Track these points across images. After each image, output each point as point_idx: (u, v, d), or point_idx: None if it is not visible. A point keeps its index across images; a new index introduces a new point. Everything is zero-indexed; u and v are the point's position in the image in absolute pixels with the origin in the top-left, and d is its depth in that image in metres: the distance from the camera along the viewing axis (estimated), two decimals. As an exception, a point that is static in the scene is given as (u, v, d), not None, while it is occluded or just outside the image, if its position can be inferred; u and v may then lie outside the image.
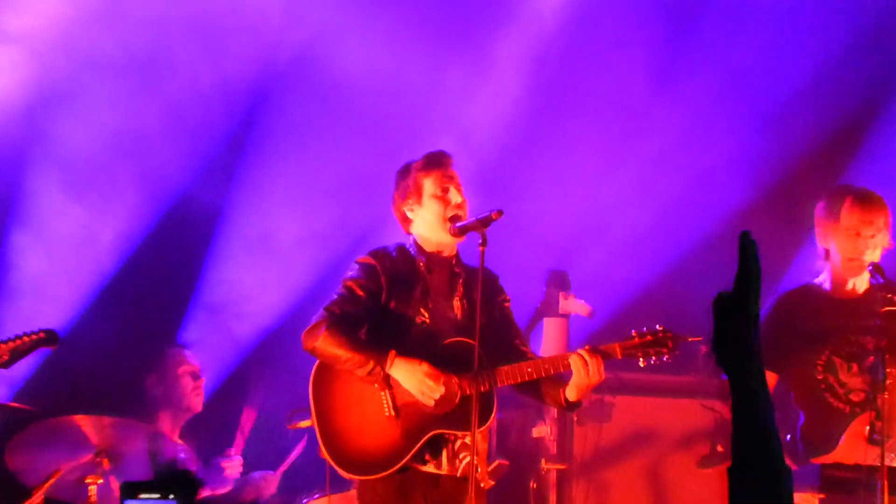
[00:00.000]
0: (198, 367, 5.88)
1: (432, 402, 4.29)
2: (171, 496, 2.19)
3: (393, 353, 4.29)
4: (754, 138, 6.78)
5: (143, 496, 2.21)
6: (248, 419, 5.89)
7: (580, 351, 4.27)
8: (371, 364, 4.26)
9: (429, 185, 4.46)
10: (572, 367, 4.27)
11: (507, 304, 4.58)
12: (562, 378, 4.38)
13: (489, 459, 4.91)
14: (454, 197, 4.47)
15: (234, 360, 6.44)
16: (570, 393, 4.34)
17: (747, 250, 2.00)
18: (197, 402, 5.79)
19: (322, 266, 6.40)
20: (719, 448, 5.71)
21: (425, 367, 4.27)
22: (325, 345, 4.27)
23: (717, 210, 6.72)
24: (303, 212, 6.50)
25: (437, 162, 4.49)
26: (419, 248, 4.52)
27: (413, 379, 4.27)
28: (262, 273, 6.48)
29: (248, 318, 6.47)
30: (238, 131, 6.47)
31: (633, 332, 4.32)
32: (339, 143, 6.54)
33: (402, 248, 4.52)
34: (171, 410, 5.75)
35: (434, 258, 4.50)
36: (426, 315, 4.41)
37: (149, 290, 6.29)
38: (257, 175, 6.53)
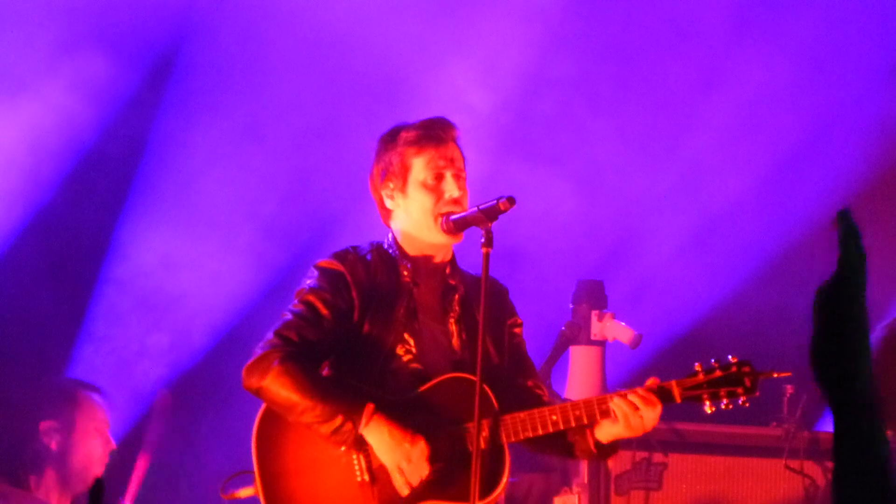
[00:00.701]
0: (109, 422, 5.95)
1: (406, 490, 4.33)
2: None
3: (371, 406, 4.31)
4: (875, 96, 6.91)
5: None
6: (142, 465, 6.04)
7: (636, 392, 4.26)
8: (339, 420, 4.29)
9: (418, 167, 4.49)
10: (616, 414, 4.27)
11: (518, 331, 4.64)
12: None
13: (496, 541, 4.93)
14: (450, 189, 4.49)
15: (144, 395, 6.60)
16: (603, 434, 4.37)
17: (848, 231, 2.06)
18: (99, 470, 5.81)
19: (279, 257, 6.60)
20: (811, 525, 5.84)
21: (420, 442, 4.31)
22: (277, 386, 4.30)
23: (818, 195, 6.87)
24: (251, 177, 6.70)
25: (433, 136, 4.51)
26: (401, 251, 4.55)
27: (394, 452, 4.32)
28: (190, 261, 6.62)
29: (167, 328, 6.64)
30: (164, 54, 6.65)
31: (697, 366, 4.32)
32: (300, 79, 6.70)
33: (379, 250, 4.55)
34: (63, 473, 5.80)
35: (422, 265, 4.55)
36: (411, 343, 4.47)
37: (25, 283, 6.51)
38: (188, 118, 6.66)
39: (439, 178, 4.48)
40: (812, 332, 2.11)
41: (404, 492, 4.32)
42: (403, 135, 4.54)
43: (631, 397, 4.23)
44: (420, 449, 4.31)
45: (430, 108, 4.69)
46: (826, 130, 6.98)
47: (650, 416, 4.25)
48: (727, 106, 7.00)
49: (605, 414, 4.27)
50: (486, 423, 4.31)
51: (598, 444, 4.38)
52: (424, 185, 4.48)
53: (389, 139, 4.57)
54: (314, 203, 6.71)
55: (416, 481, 4.32)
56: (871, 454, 2.08)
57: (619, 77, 6.94)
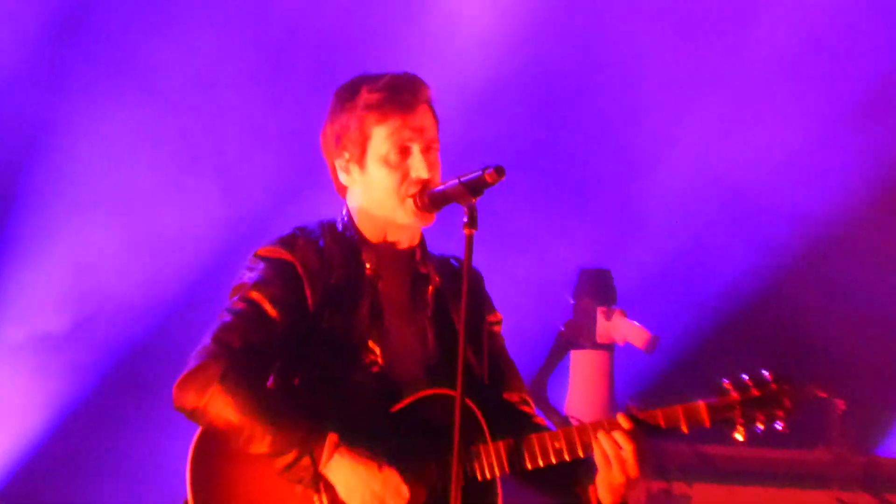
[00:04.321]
0: None
1: None
2: None
3: (333, 438, 4.14)
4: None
5: None
6: None
7: (616, 428, 4.11)
8: (294, 454, 4.14)
9: (379, 138, 4.31)
10: (595, 456, 4.15)
11: (497, 329, 4.50)
12: (589, 463, 4.22)
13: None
14: (417, 167, 4.27)
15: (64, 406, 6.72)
16: (604, 495, 4.20)
17: None
18: None
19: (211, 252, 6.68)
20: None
21: (387, 472, 4.16)
22: (219, 406, 4.15)
23: (867, 161, 6.95)
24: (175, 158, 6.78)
25: (399, 101, 4.31)
26: (360, 235, 4.37)
27: (363, 495, 4.16)
28: (111, 254, 6.74)
29: (91, 337, 6.74)
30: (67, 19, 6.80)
31: (727, 384, 4.13)
32: (232, 48, 6.84)
33: (332, 233, 4.38)
34: None
35: (386, 251, 4.38)
36: (377, 350, 4.30)
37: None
38: (97, 90, 6.71)
39: (404, 152, 4.29)
40: None
41: None
42: (364, 95, 4.33)
43: (618, 429, 4.10)
44: (395, 488, 4.16)
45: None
46: (872, 96, 7.16)
47: (631, 457, 4.10)
48: (751, 66, 7.14)
49: (588, 448, 4.14)
50: (472, 451, 4.21)
51: None
52: (386, 162, 4.30)
53: (347, 96, 4.36)
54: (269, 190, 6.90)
55: None
56: None
57: (625, 32, 7.12)
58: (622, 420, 4.10)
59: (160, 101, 6.86)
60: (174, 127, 6.87)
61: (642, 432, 4.13)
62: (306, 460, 4.13)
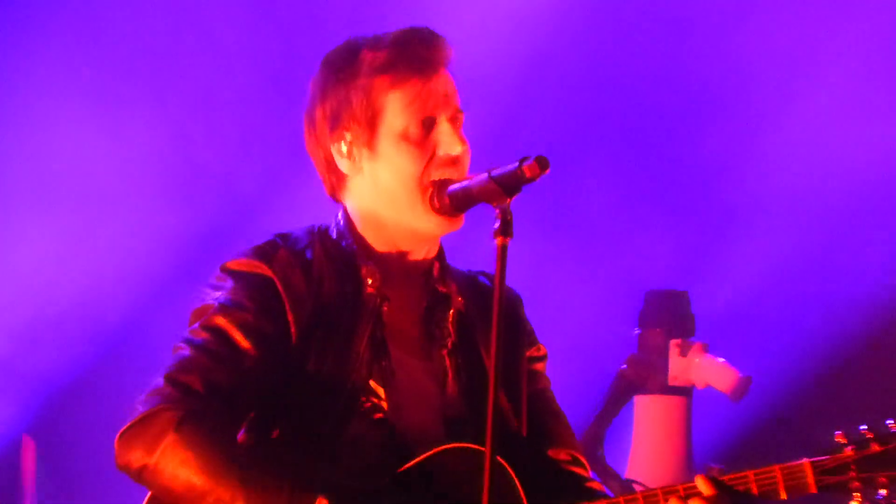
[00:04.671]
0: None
1: None
2: None
3: (323, 502, 3.88)
4: None
5: None
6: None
7: (695, 495, 3.81)
8: None
9: (394, 108, 4.03)
10: None
11: (540, 367, 4.26)
12: None
13: None
14: (447, 141, 3.99)
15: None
16: None
17: None
18: None
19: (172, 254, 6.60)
20: None
21: None
22: (174, 464, 3.89)
23: None
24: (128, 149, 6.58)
25: (416, 59, 4.03)
26: (362, 244, 4.09)
27: None
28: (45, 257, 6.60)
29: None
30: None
31: (840, 437, 3.81)
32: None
33: (324, 241, 4.11)
34: None
35: (395, 266, 4.09)
36: (381, 394, 4.02)
37: None
38: (32, 64, 6.59)
39: (428, 125, 4.01)
40: None
41: None
42: (368, 56, 4.03)
43: (700, 494, 3.83)
44: None
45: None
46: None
47: None
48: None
49: None
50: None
51: None
52: (406, 138, 4.02)
53: (343, 63, 4.05)
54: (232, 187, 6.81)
55: None
56: None
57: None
58: (702, 485, 3.81)
59: (109, 79, 6.68)
60: (128, 110, 6.66)
61: (728, 500, 3.83)
62: None
